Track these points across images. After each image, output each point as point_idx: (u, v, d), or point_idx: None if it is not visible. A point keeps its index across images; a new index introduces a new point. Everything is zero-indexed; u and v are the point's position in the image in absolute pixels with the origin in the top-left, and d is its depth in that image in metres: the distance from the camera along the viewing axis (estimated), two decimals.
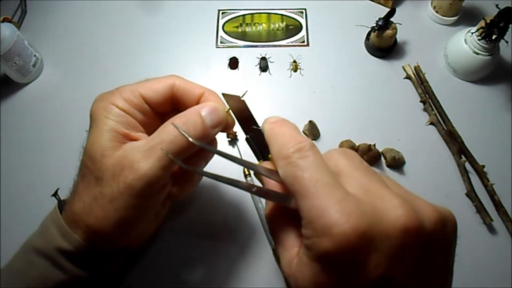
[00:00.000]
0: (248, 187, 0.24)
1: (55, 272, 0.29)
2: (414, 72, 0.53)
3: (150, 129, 0.32)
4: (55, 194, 0.34)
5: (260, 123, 0.27)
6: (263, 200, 0.43)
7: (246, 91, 0.32)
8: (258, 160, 0.30)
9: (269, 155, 0.26)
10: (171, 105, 0.33)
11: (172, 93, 0.32)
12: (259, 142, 0.29)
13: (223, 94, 0.31)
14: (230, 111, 0.32)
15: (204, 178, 0.45)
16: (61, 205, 0.31)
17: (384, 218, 0.20)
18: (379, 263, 0.19)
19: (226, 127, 0.32)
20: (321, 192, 0.20)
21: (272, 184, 0.25)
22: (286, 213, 0.25)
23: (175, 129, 0.28)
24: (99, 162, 0.28)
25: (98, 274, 0.31)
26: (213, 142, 0.35)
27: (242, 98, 0.30)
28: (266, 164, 0.27)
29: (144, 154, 0.28)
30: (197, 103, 0.32)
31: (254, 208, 0.43)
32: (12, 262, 0.30)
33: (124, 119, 0.30)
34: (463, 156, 0.46)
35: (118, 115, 0.30)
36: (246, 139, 0.30)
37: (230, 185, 0.24)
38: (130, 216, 0.29)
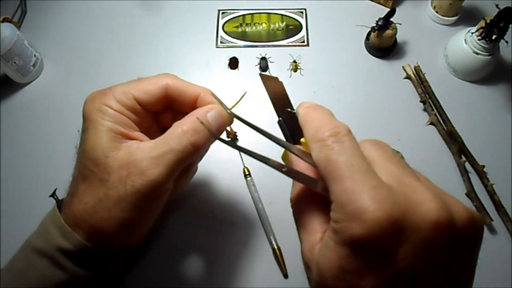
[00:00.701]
0: (279, 166, 0.25)
1: (55, 271, 0.29)
2: (414, 72, 0.53)
3: (143, 128, 0.32)
4: (53, 195, 0.34)
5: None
6: (263, 200, 0.43)
7: (245, 92, 0.32)
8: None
9: (301, 140, 0.26)
10: (164, 104, 0.33)
11: (165, 94, 0.32)
12: (291, 126, 0.29)
13: (260, 74, 0.30)
14: (266, 91, 0.31)
15: (201, 177, 0.45)
16: (60, 205, 0.31)
17: (416, 210, 0.19)
18: (408, 254, 0.19)
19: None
20: (356, 177, 0.20)
21: (301, 167, 0.25)
22: (311, 197, 0.24)
23: (185, 137, 0.29)
24: (104, 164, 0.28)
25: (100, 274, 0.31)
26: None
27: (280, 80, 0.30)
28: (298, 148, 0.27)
29: (153, 161, 0.28)
30: (193, 103, 0.32)
31: (254, 208, 0.43)
32: (12, 263, 0.30)
33: (121, 119, 0.30)
34: (463, 156, 0.46)
35: (114, 115, 0.30)
36: (278, 122, 0.29)
37: (261, 162, 0.25)
38: (135, 217, 0.29)
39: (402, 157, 0.46)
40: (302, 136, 0.25)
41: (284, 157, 0.29)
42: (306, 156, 0.25)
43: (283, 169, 0.25)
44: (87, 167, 0.29)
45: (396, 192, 0.20)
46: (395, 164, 0.22)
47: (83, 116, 0.31)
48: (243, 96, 0.31)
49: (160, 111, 0.33)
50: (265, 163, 0.25)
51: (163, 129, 0.35)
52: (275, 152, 0.27)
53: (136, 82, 0.32)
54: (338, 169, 0.21)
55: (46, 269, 0.29)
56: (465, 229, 0.20)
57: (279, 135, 0.27)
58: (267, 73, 0.54)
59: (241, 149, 0.26)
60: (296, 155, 0.26)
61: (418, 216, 0.19)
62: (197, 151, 0.30)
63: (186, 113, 0.33)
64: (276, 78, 0.30)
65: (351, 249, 0.20)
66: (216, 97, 0.32)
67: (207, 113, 0.30)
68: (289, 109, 0.29)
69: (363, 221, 0.19)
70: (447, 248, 0.20)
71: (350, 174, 0.20)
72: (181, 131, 0.29)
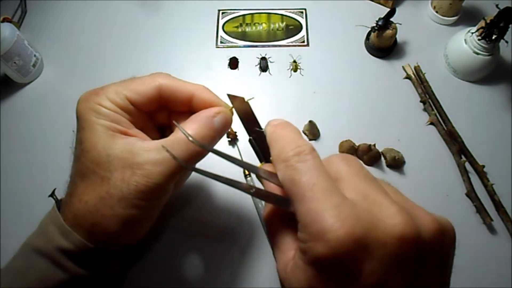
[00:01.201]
0: (247, 189, 0.25)
1: (56, 271, 0.29)
2: (414, 72, 0.53)
3: (138, 127, 0.32)
4: (52, 195, 0.34)
5: (263, 125, 0.27)
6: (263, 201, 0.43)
7: (252, 97, 0.32)
8: (260, 162, 0.30)
9: (270, 158, 0.26)
10: (158, 104, 0.33)
11: (158, 94, 0.31)
12: (261, 144, 0.29)
13: (228, 95, 0.31)
14: (234, 111, 0.32)
15: (202, 177, 0.45)
16: (59, 205, 0.31)
17: (381, 225, 0.19)
18: (374, 271, 0.19)
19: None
20: (318, 197, 0.20)
21: (272, 187, 0.25)
22: (284, 216, 0.25)
23: (191, 145, 0.29)
24: (106, 162, 0.28)
25: (100, 274, 0.31)
26: None
27: (246, 100, 0.31)
28: (267, 167, 0.27)
29: (157, 165, 0.28)
30: (188, 102, 0.32)
31: (254, 208, 0.43)
32: (12, 263, 0.30)
33: (116, 118, 0.30)
34: (463, 156, 0.46)
35: (109, 114, 0.30)
36: (249, 141, 0.30)
37: (229, 186, 0.25)
38: (137, 215, 0.29)
39: (402, 157, 0.46)
40: None
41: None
42: (274, 177, 0.25)
43: (251, 191, 0.24)
44: (87, 166, 0.29)
45: (360, 208, 0.20)
46: (361, 178, 0.22)
47: (77, 117, 0.30)
48: (250, 99, 0.31)
49: (154, 110, 0.33)
50: (234, 186, 0.25)
51: (159, 127, 0.35)
52: None
53: (129, 81, 0.32)
54: (301, 189, 0.21)
55: (46, 269, 0.29)
56: (433, 241, 0.20)
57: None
58: (267, 73, 0.54)
59: (208, 175, 0.25)
60: (263, 177, 0.26)
61: (382, 231, 0.19)
62: (202, 157, 0.30)
63: (182, 112, 0.33)
64: (242, 98, 0.31)
65: (318, 269, 0.20)
66: (227, 98, 0.31)
67: (214, 118, 0.30)
68: (257, 129, 0.30)
69: (326, 240, 0.19)
70: (415, 261, 0.20)
71: (312, 193, 0.20)
72: (186, 138, 0.29)
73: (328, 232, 0.19)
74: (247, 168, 0.26)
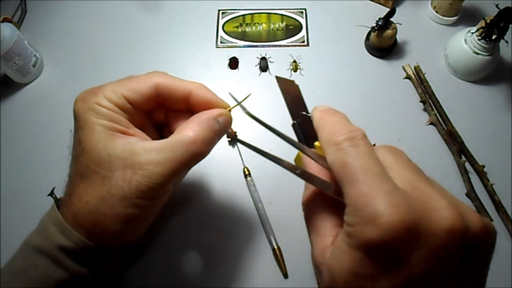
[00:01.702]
0: (293, 168, 0.25)
1: (56, 270, 0.29)
2: (414, 72, 0.53)
3: (136, 126, 0.32)
4: (51, 193, 0.34)
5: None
6: (263, 200, 0.43)
7: (249, 94, 0.32)
8: (306, 146, 0.30)
9: (315, 143, 0.26)
10: (156, 103, 0.33)
11: (156, 93, 0.32)
12: (305, 130, 0.29)
13: (276, 77, 0.30)
14: (282, 94, 0.31)
15: (202, 177, 0.44)
16: (59, 204, 0.31)
17: (431, 216, 0.20)
18: (421, 260, 0.19)
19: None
20: (372, 181, 0.20)
21: (315, 170, 0.26)
22: (323, 201, 0.25)
23: (192, 147, 0.29)
24: (107, 162, 0.28)
25: (101, 272, 0.31)
26: None
27: (296, 84, 0.30)
28: (311, 151, 0.27)
29: (158, 166, 0.28)
30: (185, 100, 0.32)
31: (255, 208, 0.43)
32: (12, 262, 0.30)
33: (115, 117, 0.30)
34: (463, 156, 0.46)
35: (107, 114, 0.30)
36: (293, 125, 0.30)
37: (275, 163, 0.25)
38: (138, 214, 0.29)
39: None
40: (315, 139, 0.25)
41: (297, 160, 0.29)
42: (320, 159, 0.25)
43: (297, 171, 0.25)
44: (87, 166, 0.29)
45: (411, 197, 0.20)
46: (410, 170, 0.22)
47: (75, 116, 0.30)
48: (247, 97, 0.31)
49: (152, 109, 0.33)
50: (279, 164, 0.25)
51: (156, 125, 0.35)
52: (281, 155, 0.27)
53: (126, 80, 0.32)
54: (354, 173, 0.21)
55: (46, 268, 0.29)
56: (479, 237, 0.21)
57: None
58: (267, 73, 0.54)
59: (257, 150, 0.26)
60: (311, 157, 0.26)
61: (432, 222, 0.19)
62: (202, 158, 0.30)
63: (179, 110, 0.33)
64: (293, 81, 0.30)
65: (365, 253, 0.20)
66: (276, 80, 0.31)
67: (215, 120, 0.31)
68: (304, 113, 0.29)
69: (378, 225, 0.19)
70: (461, 255, 0.20)
71: (366, 178, 0.20)
72: (187, 140, 0.29)
73: (380, 216, 0.19)
74: (297, 146, 0.27)
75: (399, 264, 0.19)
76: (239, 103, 0.31)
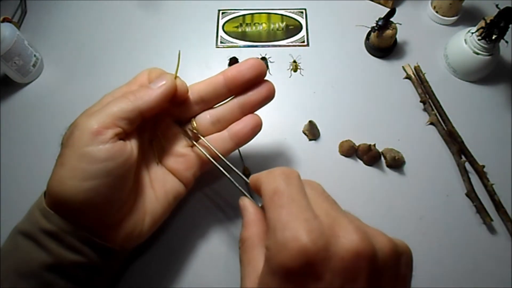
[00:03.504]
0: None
1: (39, 253, 0.29)
2: (414, 72, 0.53)
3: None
4: None
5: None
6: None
7: (179, 51, 0.37)
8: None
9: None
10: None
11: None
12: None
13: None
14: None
15: (199, 176, 0.44)
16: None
17: (340, 241, 0.21)
18: (333, 282, 0.21)
19: (180, 93, 0.35)
20: (294, 210, 0.23)
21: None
22: (260, 238, 0.27)
23: (123, 103, 0.32)
24: (64, 134, 0.32)
25: (95, 261, 0.31)
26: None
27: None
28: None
29: (90, 115, 0.31)
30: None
31: None
32: (1, 247, 0.31)
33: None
34: (463, 156, 0.46)
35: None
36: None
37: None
38: (99, 185, 0.29)
39: (402, 157, 0.46)
40: None
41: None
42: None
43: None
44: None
45: (324, 224, 0.22)
46: (324, 199, 0.25)
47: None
48: (179, 56, 0.35)
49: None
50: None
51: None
52: None
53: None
54: (281, 200, 0.23)
55: (30, 250, 0.29)
56: (388, 260, 0.22)
57: None
58: (267, 73, 0.54)
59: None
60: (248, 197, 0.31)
61: (341, 246, 0.21)
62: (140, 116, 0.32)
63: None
64: None
65: (282, 277, 0.21)
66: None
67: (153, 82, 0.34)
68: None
69: (290, 249, 0.21)
70: (370, 277, 0.21)
71: (290, 206, 0.23)
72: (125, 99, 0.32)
73: (294, 240, 0.21)
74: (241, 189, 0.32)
75: (314, 285, 0.21)
76: (177, 68, 0.36)
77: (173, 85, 0.34)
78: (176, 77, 0.35)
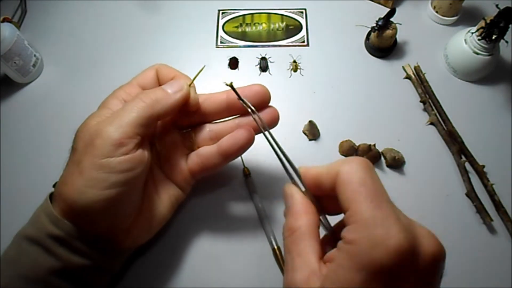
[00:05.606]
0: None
1: (47, 258, 0.29)
2: (414, 72, 0.53)
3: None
4: (55, 185, 0.34)
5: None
6: (263, 200, 0.43)
7: (204, 66, 0.35)
8: None
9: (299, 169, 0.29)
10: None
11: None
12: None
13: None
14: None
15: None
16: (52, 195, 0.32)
17: (421, 242, 0.22)
18: (416, 284, 0.21)
19: (191, 104, 0.35)
20: (385, 206, 0.22)
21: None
22: (310, 229, 0.26)
23: (141, 108, 0.31)
24: (77, 137, 0.31)
25: (101, 262, 0.31)
26: None
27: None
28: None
29: (111, 123, 0.30)
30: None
31: (254, 208, 0.43)
32: (5, 252, 0.31)
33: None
34: (463, 156, 0.46)
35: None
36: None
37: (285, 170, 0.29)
38: (112, 193, 0.29)
39: (402, 157, 0.46)
40: None
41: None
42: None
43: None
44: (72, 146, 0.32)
45: (405, 223, 0.22)
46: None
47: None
48: (201, 69, 0.35)
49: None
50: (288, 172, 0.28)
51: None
52: None
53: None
54: (371, 192, 0.23)
55: (37, 256, 0.29)
56: (443, 261, 0.23)
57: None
58: (267, 73, 0.54)
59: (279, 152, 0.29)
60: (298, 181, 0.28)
61: (422, 247, 0.22)
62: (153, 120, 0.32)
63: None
64: None
65: (370, 274, 0.20)
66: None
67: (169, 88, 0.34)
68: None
69: (386, 246, 0.20)
70: (439, 279, 0.23)
71: (380, 201, 0.22)
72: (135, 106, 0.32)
73: (391, 238, 0.20)
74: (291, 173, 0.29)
75: (400, 285, 0.21)
76: (194, 78, 0.35)
77: (188, 93, 0.34)
78: (191, 85, 0.35)
